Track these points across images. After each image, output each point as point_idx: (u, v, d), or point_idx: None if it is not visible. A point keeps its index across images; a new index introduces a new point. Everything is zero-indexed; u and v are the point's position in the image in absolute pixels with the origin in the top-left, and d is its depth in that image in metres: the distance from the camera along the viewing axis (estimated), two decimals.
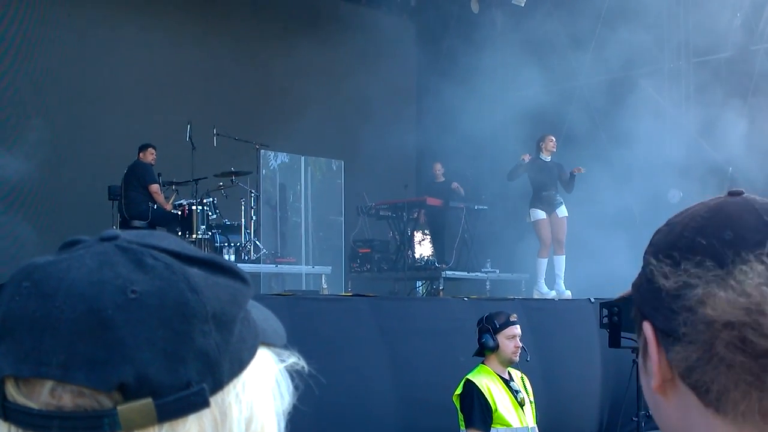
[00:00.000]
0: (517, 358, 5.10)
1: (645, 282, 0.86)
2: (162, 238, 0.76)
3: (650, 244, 0.88)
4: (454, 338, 7.13)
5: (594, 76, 12.99)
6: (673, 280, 0.82)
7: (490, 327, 5.10)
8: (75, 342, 0.68)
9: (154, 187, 10.02)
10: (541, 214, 10.11)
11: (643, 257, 0.88)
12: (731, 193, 0.86)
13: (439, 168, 12.60)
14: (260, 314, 0.80)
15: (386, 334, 7.28)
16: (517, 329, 5.12)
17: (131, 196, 9.96)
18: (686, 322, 0.80)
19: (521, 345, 5.11)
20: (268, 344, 0.79)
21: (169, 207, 10.16)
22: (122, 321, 0.69)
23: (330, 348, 6.72)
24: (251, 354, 0.76)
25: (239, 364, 0.74)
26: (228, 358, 0.73)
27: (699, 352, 0.79)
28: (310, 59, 13.32)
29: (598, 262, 10.04)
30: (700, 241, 0.82)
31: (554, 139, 10.33)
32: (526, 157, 10.20)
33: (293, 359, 0.81)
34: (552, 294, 10.17)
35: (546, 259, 10.30)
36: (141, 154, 10.21)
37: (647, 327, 0.84)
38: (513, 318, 5.16)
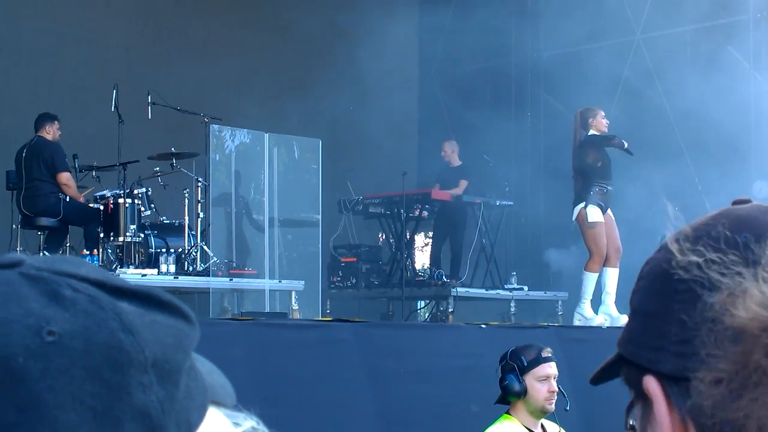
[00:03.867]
0: (552, 406, 5.12)
1: (640, 318, 0.90)
2: (78, 263, 0.76)
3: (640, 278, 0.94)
4: (467, 380, 7.13)
5: (655, 30, 13.00)
6: (692, 273, 0.85)
7: (515, 365, 5.12)
8: None
9: (65, 177, 9.99)
10: (600, 215, 10.11)
11: (635, 294, 0.93)
12: (736, 202, 0.93)
13: (450, 147, 12.61)
14: (203, 366, 0.81)
15: (376, 374, 7.28)
16: (551, 368, 5.13)
17: (36, 186, 9.94)
18: (709, 340, 0.82)
19: (557, 389, 5.13)
20: (217, 403, 0.80)
21: (81, 200, 10.15)
22: (38, 372, 0.69)
23: (300, 392, 6.70)
24: (201, 415, 0.76)
25: (187, 428, 0.75)
26: (174, 418, 0.73)
27: (730, 375, 0.81)
28: (276, 6, 13.29)
29: None
30: (714, 239, 0.87)
31: (604, 114, 10.36)
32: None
33: (251, 423, 0.82)
34: (599, 320, 10.17)
35: (597, 274, 10.30)
36: (45, 129, 10.14)
37: (651, 381, 0.87)
38: (546, 353, 5.17)
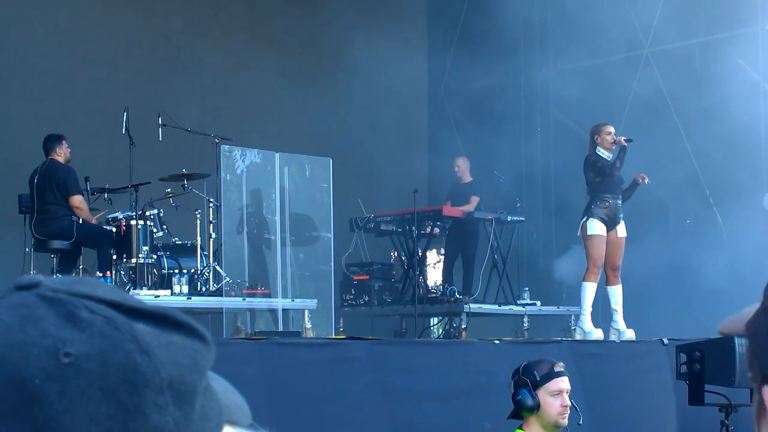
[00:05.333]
0: (566, 420, 5.09)
1: None
2: (95, 285, 0.77)
3: None
4: (481, 396, 7.10)
5: (664, 43, 13.01)
6: None
7: (528, 380, 5.09)
8: None
9: (77, 200, 9.96)
10: (601, 228, 10.10)
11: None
12: None
13: (463, 163, 12.62)
14: (219, 386, 0.82)
15: (389, 392, 7.26)
16: (564, 383, 5.10)
17: (49, 210, 9.93)
18: None
19: (570, 403, 5.10)
20: (233, 423, 0.81)
21: (93, 222, 10.18)
22: (55, 393, 0.70)
23: (314, 410, 6.69)
24: None
25: None
26: None
27: None
28: (285, 26, 13.33)
29: (670, 292, 10.02)
30: None
31: (613, 131, 10.28)
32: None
33: None
34: (597, 333, 10.16)
35: (594, 284, 10.27)
36: (55, 152, 10.15)
37: None
38: (558, 368, 5.14)
